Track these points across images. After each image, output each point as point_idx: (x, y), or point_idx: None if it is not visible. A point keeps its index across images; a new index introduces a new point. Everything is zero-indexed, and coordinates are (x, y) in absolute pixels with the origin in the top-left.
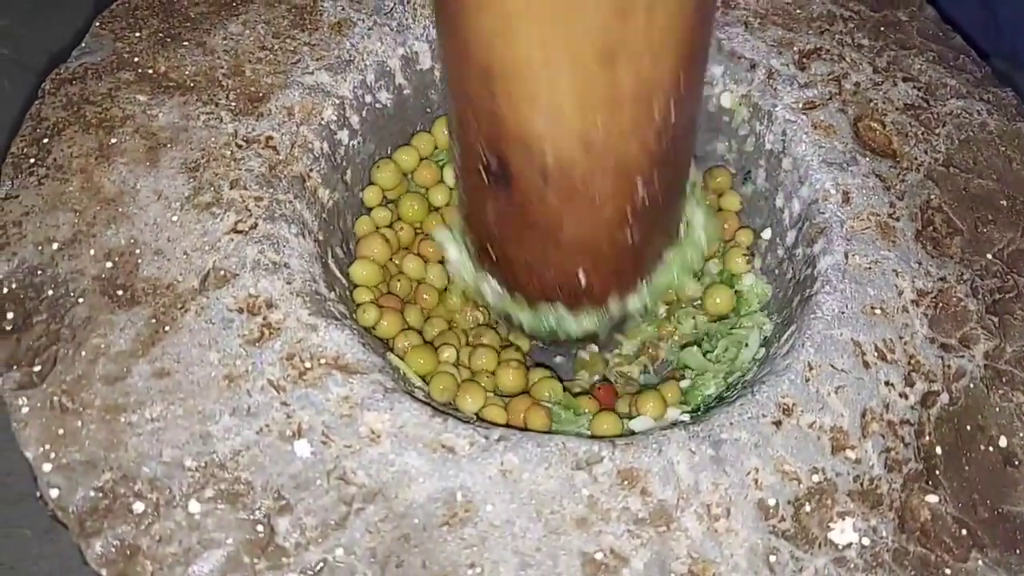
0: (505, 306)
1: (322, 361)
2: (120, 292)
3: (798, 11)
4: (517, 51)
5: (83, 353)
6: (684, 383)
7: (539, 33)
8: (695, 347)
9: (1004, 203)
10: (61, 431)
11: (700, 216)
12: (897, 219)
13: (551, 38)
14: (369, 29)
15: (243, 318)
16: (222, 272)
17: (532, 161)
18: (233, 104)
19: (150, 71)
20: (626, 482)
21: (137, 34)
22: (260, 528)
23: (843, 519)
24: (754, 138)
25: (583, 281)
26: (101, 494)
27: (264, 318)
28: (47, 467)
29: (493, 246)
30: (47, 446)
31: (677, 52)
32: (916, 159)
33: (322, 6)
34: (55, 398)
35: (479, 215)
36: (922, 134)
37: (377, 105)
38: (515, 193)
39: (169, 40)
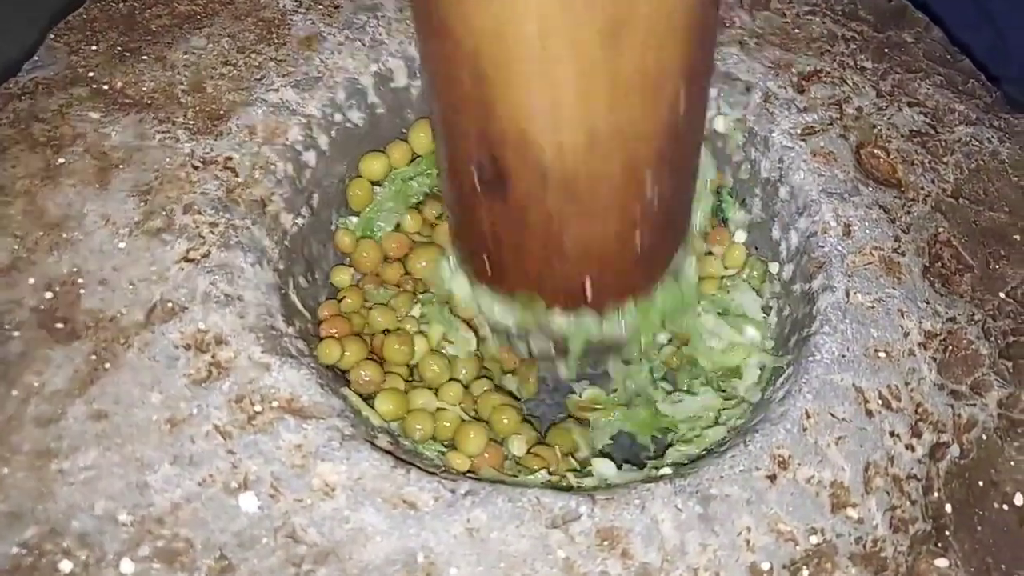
0: (506, 321)
1: (274, 404)
2: (59, 325)
3: (797, 31)
4: (510, 33)
5: (15, 392)
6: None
7: (536, 9)
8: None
9: (1017, 238)
10: None
11: (692, 258)
12: (903, 254)
13: (548, 15)
14: (340, 44)
15: (190, 355)
16: (170, 304)
17: (530, 160)
18: (191, 123)
19: (105, 87)
20: (606, 542)
21: (94, 47)
22: None
23: None
24: (749, 165)
25: (589, 290)
26: (25, 550)
27: (213, 356)
28: None
29: (490, 258)
30: None
31: (688, 29)
32: (923, 189)
33: (291, 20)
34: None
35: (473, 226)
36: (929, 163)
37: (348, 125)
38: (512, 198)
39: (127, 54)
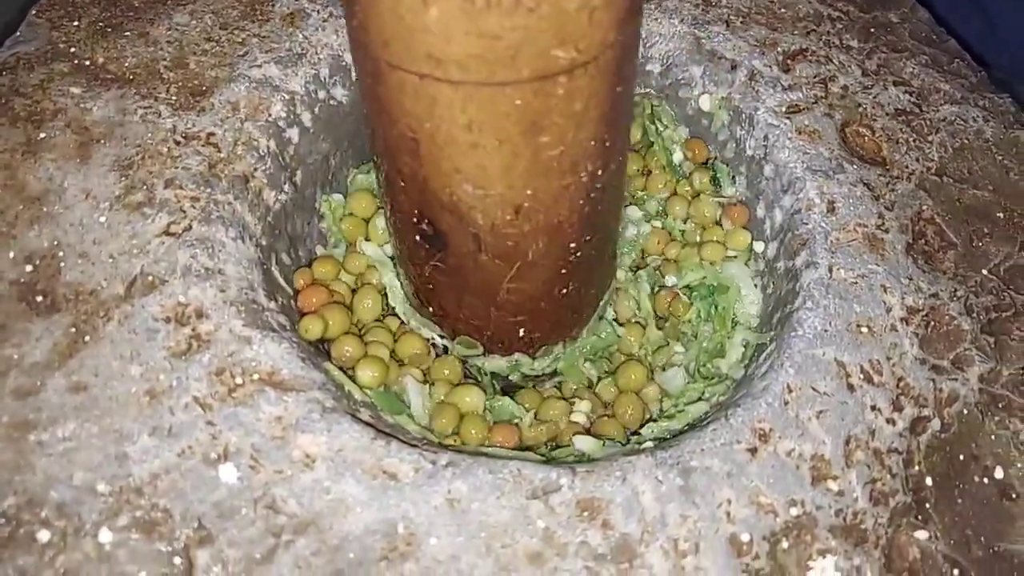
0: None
1: (255, 377)
2: (39, 298)
3: (783, 10)
4: (442, 129)
5: None
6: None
7: (463, 114)
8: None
9: (1000, 215)
10: None
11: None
12: (886, 231)
13: (475, 117)
14: (324, 21)
15: (170, 328)
16: (150, 278)
17: (464, 227)
18: (174, 98)
19: (87, 62)
20: (586, 513)
21: (76, 23)
22: (178, 561)
23: (823, 557)
24: (734, 143)
25: (522, 334)
26: (3, 520)
27: (193, 329)
28: None
29: (432, 301)
30: None
31: (600, 118)
32: (907, 167)
33: None
34: None
35: (416, 272)
36: (914, 141)
37: (332, 102)
38: (450, 256)
39: (110, 30)
